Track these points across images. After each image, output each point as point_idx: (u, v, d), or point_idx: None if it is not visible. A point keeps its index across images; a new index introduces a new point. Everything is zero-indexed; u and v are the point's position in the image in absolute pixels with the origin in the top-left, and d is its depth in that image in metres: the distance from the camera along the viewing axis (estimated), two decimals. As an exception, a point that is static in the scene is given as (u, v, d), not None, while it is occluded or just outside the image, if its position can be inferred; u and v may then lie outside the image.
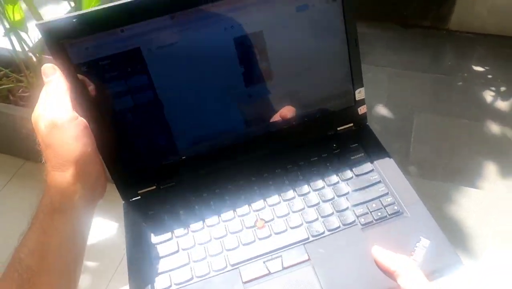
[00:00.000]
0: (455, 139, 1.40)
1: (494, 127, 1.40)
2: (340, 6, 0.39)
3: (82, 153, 0.36)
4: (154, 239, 0.40)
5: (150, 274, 0.37)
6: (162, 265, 0.38)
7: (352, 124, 0.46)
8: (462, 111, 1.48)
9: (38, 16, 0.89)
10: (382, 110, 1.63)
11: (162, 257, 0.39)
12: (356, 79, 0.43)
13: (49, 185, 0.35)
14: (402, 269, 0.34)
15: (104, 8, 0.34)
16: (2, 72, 1.10)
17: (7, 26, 0.91)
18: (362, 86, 0.44)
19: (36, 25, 0.34)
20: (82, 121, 0.36)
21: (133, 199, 0.43)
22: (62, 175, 0.35)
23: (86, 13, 0.34)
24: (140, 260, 0.39)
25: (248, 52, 0.39)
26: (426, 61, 1.73)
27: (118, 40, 0.36)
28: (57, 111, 0.35)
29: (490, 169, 1.27)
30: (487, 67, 1.62)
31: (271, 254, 0.37)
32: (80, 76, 0.36)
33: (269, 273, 0.36)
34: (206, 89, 0.40)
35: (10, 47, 0.97)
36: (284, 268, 0.36)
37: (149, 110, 0.40)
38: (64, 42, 0.35)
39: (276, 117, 0.43)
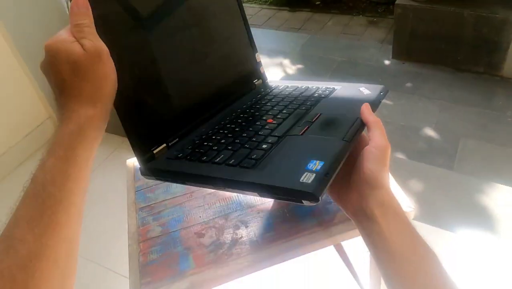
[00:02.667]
0: (498, 164, 1.42)
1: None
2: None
3: (114, 87, 0.36)
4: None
5: None
6: None
7: (261, 80, 0.63)
8: (508, 141, 1.48)
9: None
10: (429, 132, 1.64)
11: None
12: (253, 47, 0.61)
13: (79, 115, 0.34)
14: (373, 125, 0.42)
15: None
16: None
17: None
18: (257, 51, 0.62)
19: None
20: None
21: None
22: (93, 109, 0.35)
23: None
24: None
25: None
26: (477, 98, 1.76)
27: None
28: (101, 42, 0.34)
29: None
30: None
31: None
32: None
33: None
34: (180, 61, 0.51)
35: None
36: None
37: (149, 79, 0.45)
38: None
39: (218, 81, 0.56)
